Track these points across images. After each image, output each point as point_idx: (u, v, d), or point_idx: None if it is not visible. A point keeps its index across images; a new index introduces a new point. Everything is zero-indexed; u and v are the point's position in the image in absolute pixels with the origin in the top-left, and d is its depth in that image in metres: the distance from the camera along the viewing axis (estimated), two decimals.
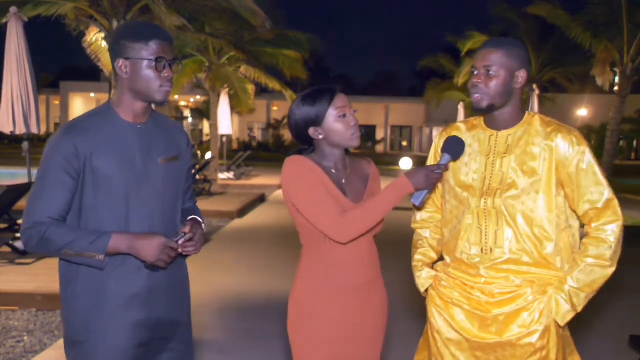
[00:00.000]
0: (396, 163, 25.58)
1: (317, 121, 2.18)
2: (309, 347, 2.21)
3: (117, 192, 2.00)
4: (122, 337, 2.02)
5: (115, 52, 2.03)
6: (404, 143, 48.37)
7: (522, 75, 2.16)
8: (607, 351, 4.49)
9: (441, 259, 2.45)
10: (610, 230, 2.10)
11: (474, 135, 2.27)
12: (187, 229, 2.09)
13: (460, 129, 2.33)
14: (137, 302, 2.05)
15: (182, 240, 2.04)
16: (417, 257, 2.47)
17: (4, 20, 7.09)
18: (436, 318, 2.30)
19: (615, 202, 2.12)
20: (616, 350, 4.49)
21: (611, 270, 2.12)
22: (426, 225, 2.48)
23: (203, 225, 2.20)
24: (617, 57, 12.93)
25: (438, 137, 2.40)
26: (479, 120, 2.30)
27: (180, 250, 2.04)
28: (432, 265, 2.47)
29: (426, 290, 2.42)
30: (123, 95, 2.06)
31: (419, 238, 2.50)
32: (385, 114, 45.25)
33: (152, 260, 1.97)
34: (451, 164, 2.28)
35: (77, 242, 1.92)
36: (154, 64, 2.00)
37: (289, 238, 8.50)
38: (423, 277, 2.42)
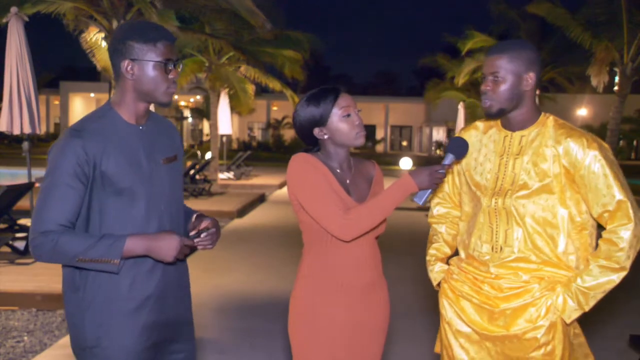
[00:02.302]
0: (396, 163, 25.59)
1: (322, 121, 2.19)
2: (309, 347, 2.21)
3: (127, 195, 1.98)
4: (134, 340, 2.01)
5: (121, 52, 1.99)
6: (404, 143, 48.37)
7: (530, 78, 2.16)
8: (608, 350, 4.49)
9: (456, 254, 2.49)
10: (621, 233, 2.10)
11: (490, 135, 2.31)
12: (206, 224, 2.08)
13: (478, 128, 2.36)
14: (149, 304, 2.04)
15: (205, 234, 2.04)
16: (431, 251, 2.52)
17: (4, 20, 7.08)
18: (447, 310, 2.36)
19: (627, 204, 2.11)
20: (616, 350, 4.49)
21: (622, 274, 2.12)
22: (442, 220, 2.53)
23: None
24: (616, 56, 12.93)
25: (457, 135, 2.43)
26: (495, 121, 2.32)
27: (197, 246, 2.03)
28: (447, 260, 2.51)
29: (438, 284, 2.46)
30: (125, 96, 2.03)
31: (434, 233, 2.55)
32: (385, 114, 45.24)
33: (170, 260, 1.95)
34: (467, 163, 2.33)
35: (91, 249, 1.87)
36: (162, 65, 1.99)
37: (289, 238, 8.50)
38: (435, 271, 2.47)
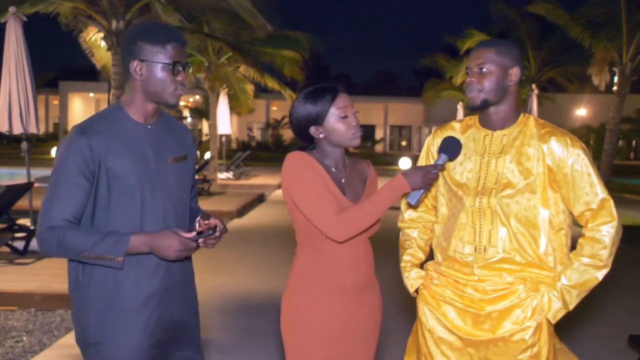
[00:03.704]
0: (395, 163, 25.59)
1: (318, 120, 2.17)
2: (302, 346, 2.21)
3: (132, 193, 2.00)
4: (137, 338, 2.02)
5: (130, 52, 2.01)
6: (403, 143, 48.38)
7: (515, 73, 2.18)
8: (606, 350, 4.50)
9: (429, 258, 2.44)
10: (605, 231, 2.12)
11: (468, 134, 2.29)
12: (215, 222, 2.08)
13: (455, 128, 2.34)
14: (152, 302, 2.05)
15: (216, 233, 2.03)
16: (405, 257, 2.47)
17: (2, 20, 7.08)
18: (427, 317, 2.30)
19: (610, 202, 2.13)
20: (615, 350, 4.49)
21: (605, 271, 2.14)
22: (414, 225, 2.48)
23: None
24: (616, 56, 12.94)
25: (432, 136, 2.42)
26: (473, 120, 2.31)
27: (202, 245, 2.03)
28: (421, 266, 2.47)
29: (416, 291, 2.41)
30: (135, 96, 2.05)
31: (406, 238, 2.50)
32: (384, 114, 45.24)
33: (173, 258, 1.97)
34: (447, 163, 2.29)
35: (96, 245, 1.90)
36: (170, 67, 2.00)
37: (288, 238, 8.49)
38: (412, 277, 2.42)
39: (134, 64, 2.00)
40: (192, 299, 2.24)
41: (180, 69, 2.02)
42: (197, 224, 2.13)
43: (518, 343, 2.14)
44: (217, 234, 2.05)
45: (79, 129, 1.98)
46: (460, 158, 2.26)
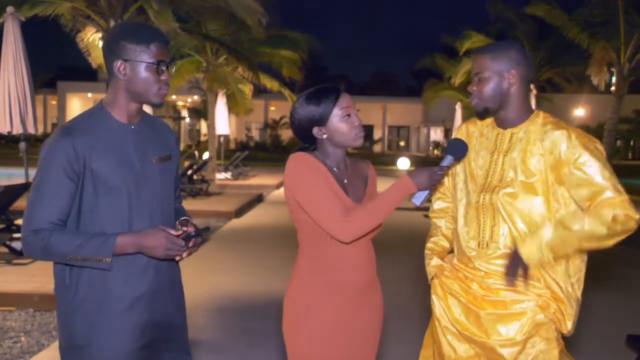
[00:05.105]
0: (394, 163, 25.61)
1: (322, 121, 2.17)
2: (304, 347, 2.20)
3: (118, 193, 1.98)
4: (125, 339, 2.01)
5: (113, 52, 2.00)
6: (402, 143, 48.39)
7: (512, 75, 2.17)
8: (604, 351, 4.50)
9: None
10: (609, 213, 2.03)
11: (484, 132, 2.33)
12: (191, 229, 2.09)
13: (477, 124, 2.38)
14: (141, 303, 2.04)
15: (191, 243, 2.03)
16: (428, 245, 2.54)
17: (0, 21, 7.07)
18: (436, 306, 2.37)
19: (624, 198, 2.06)
20: (613, 350, 4.50)
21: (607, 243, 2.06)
22: (442, 214, 2.54)
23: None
24: (613, 56, 12.97)
25: (456, 132, 2.45)
26: (490, 119, 2.34)
27: (184, 254, 2.02)
28: (446, 254, 2.52)
29: (432, 279, 2.47)
30: (118, 96, 2.04)
31: (434, 227, 2.57)
32: (382, 114, 45.25)
33: (162, 257, 1.97)
34: (468, 156, 2.33)
35: (83, 247, 1.89)
36: (154, 67, 1.99)
37: (286, 238, 8.50)
38: (432, 265, 2.49)
39: (118, 64, 1.99)
40: (180, 301, 2.24)
41: (164, 68, 2.01)
42: (177, 225, 2.13)
43: (500, 357, 2.15)
44: (199, 240, 2.06)
45: (62, 130, 1.96)
46: (473, 155, 2.31)
